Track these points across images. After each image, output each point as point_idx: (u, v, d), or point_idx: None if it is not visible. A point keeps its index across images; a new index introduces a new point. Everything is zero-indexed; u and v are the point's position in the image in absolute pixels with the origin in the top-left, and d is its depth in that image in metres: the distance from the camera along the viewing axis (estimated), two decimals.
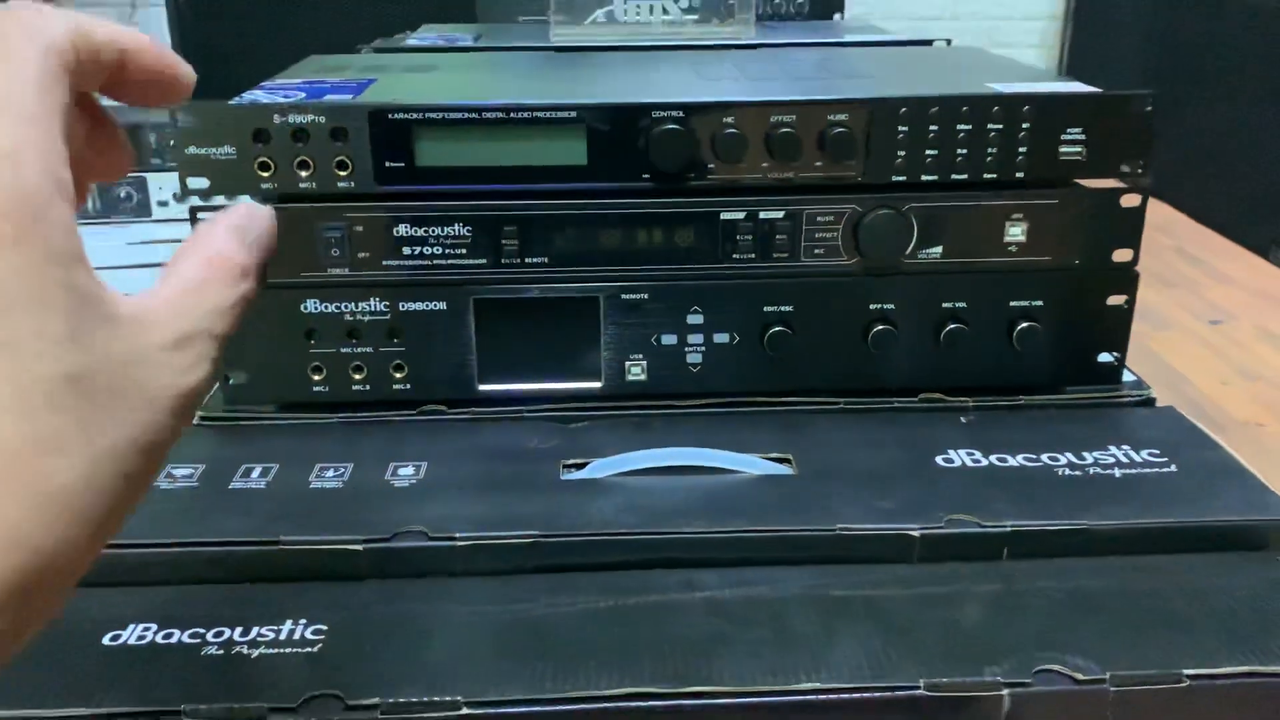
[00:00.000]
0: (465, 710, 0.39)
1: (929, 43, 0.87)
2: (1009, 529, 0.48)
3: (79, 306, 0.24)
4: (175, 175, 0.53)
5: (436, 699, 0.39)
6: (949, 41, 0.87)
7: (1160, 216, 2.40)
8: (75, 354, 0.24)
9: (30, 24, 0.26)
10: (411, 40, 0.87)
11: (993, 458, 0.53)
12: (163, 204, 1.02)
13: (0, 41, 0.25)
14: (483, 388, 0.58)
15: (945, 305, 0.57)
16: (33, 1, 0.26)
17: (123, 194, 1.02)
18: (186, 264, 0.30)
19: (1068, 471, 0.52)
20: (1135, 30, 2.68)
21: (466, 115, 0.53)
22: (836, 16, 1.41)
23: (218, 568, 0.47)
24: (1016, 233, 0.56)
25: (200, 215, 0.54)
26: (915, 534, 0.47)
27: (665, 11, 0.92)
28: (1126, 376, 0.60)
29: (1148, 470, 0.52)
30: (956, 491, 0.50)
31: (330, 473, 0.52)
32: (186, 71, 0.31)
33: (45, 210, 0.24)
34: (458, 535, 0.47)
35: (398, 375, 0.57)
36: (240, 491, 0.51)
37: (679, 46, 0.87)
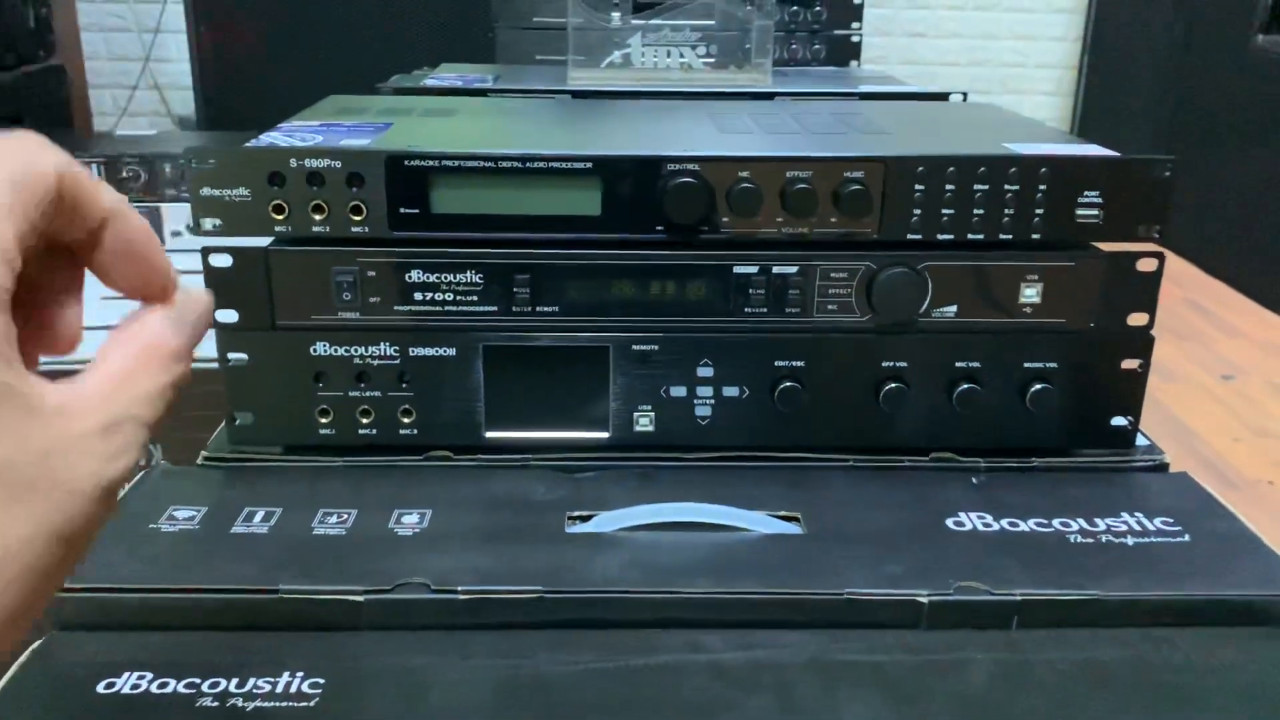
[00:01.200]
0: None
1: (945, 96, 0.87)
2: (1019, 598, 0.47)
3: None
4: (188, 207, 0.53)
5: None
6: (965, 95, 0.87)
7: (1171, 268, 2.40)
8: None
9: (22, 145, 0.27)
10: (430, 80, 0.87)
11: (1004, 522, 0.53)
12: (176, 234, 1.02)
13: None
14: (489, 434, 0.57)
15: (959, 365, 0.57)
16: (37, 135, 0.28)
17: None
18: (116, 352, 0.30)
19: (1079, 538, 0.52)
20: (1150, 82, 2.69)
21: (482, 164, 0.53)
22: (853, 63, 1.42)
23: (216, 615, 0.46)
24: (1031, 294, 0.56)
25: (211, 258, 0.54)
26: (924, 600, 0.47)
27: (682, 57, 0.93)
28: (1140, 440, 0.60)
29: (1160, 539, 0.52)
30: (967, 557, 0.50)
31: (334, 519, 0.52)
32: (170, 274, 0.31)
33: None
34: (459, 588, 0.46)
35: (405, 420, 0.57)
36: (242, 536, 0.50)
37: (696, 93, 0.88)
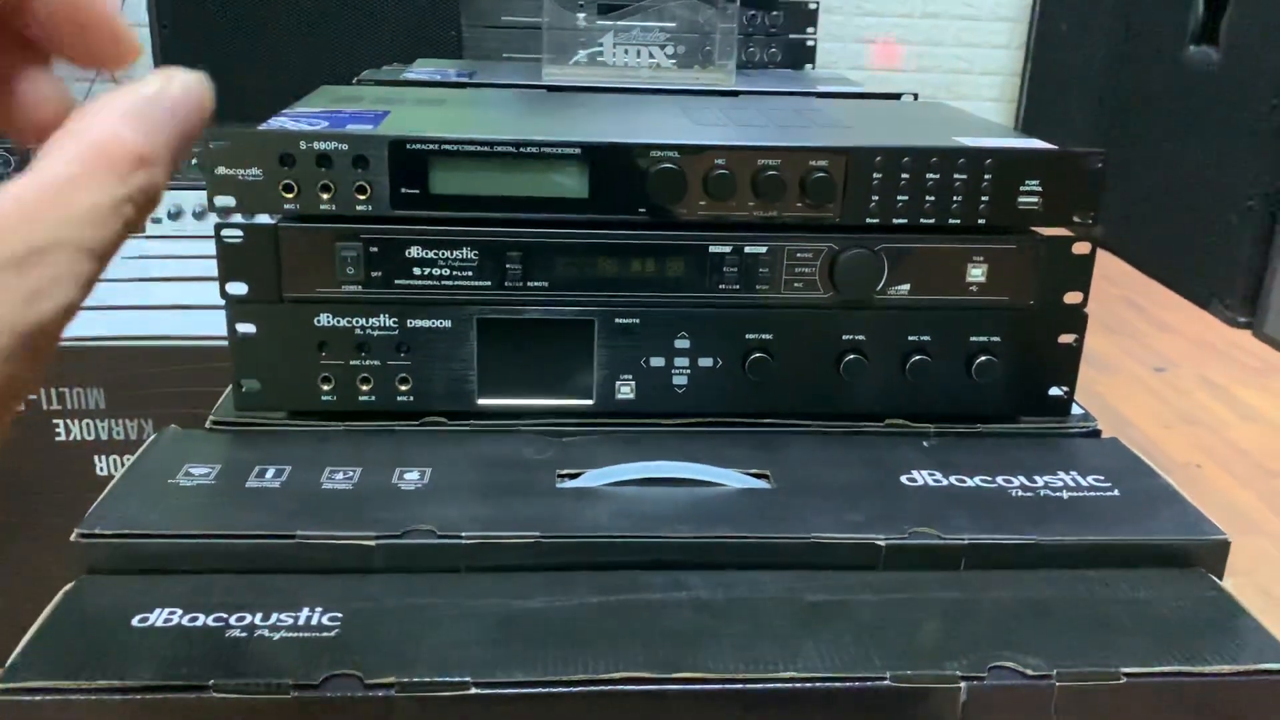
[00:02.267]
0: (474, 690, 0.43)
1: (897, 96, 0.93)
2: (966, 541, 0.52)
3: None
4: (181, 193, 0.57)
5: (448, 679, 0.43)
6: (915, 96, 0.93)
7: (1108, 267, 2.50)
8: None
9: None
10: (411, 74, 0.91)
11: (952, 478, 0.58)
12: (156, 220, 1.05)
13: None
14: (481, 402, 0.62)
15: (911, 338, 0.62)
16: None
17: None
18: (57, 153, 0.23)
19: (1020, 493, 0.57)
20: (1087, 89, 2.79)
21: (478, 149, 0.57)
22: (808, 67, 1.48)
23: (237, 559, 0.50)
24: (977, 274, 0.62)
25: (224, 233, 0.57)
26: (881, 544, 0.52)
27: (651, 56, 0.97)
28: (1074, 410, 0.66)
29: (1092, 494, 0.57)
30: (919, 507, 0.55)
31: (340, 475, 0.56)
32: (120, 34, 0.26)
33: None
34: (464, 534, 0.50)
35: (402, 388, 0.61)
36: (256, 490, 0.54)
37: (663, 90, 0.92)
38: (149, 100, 0.25)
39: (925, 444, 0.62)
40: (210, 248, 0.57)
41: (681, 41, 1.00)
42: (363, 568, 0.50)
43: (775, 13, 1.45)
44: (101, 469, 0.84)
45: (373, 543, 0.50)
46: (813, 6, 1.49)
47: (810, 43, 1.49)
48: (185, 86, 0.26)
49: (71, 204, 0.22)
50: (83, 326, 0.82)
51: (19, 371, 0.21)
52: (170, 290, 0.89)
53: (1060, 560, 0.53)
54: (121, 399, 0.81)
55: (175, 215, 1.03)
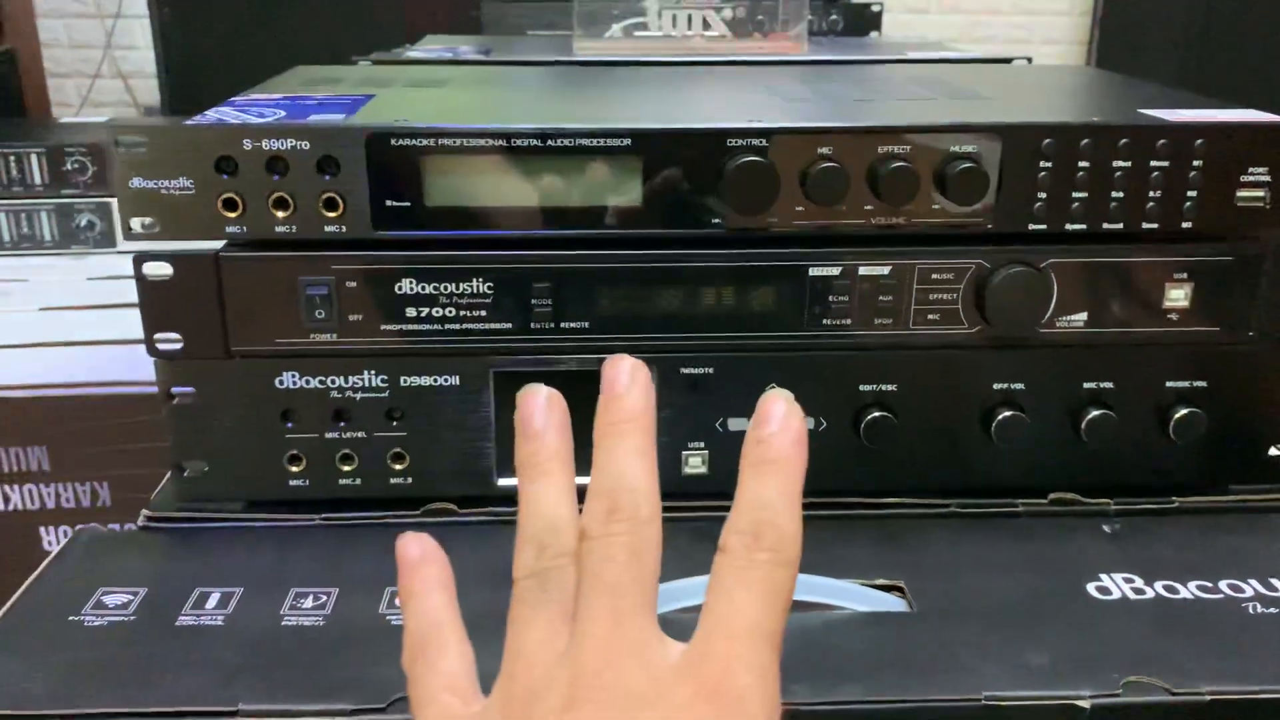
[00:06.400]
0: None
1: (1007, 61, 0.76)
2: (1207, 698, 0.36)
3: None
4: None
5: None
6: (1029, 60, 0.76)
7: None
8: None
9: None
10: (413, 52, 0.75)
11: (1158, 586, 0.42)
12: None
13: None
14: (501, 482, 0.46)
15: (1087, 386, 0.46)
16: None
17: (84, 222, 0.90)
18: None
19: (1259, 607, 0.41)
20: (1165, 59, 2.58)
21: (491, 143, 0.42)
22: (873, 34, 1.30)
23: None
24: (1178, 296, 0.45)
25: (147, 267, 0.42)
26: (1086, 704, 0.36)
27: (706, 24, 0.81)
28: None
29: None
30: (1125, 638, 0.39)
31: (308, 602, 0.40)
32: None
33: None
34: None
35: (396, 467, 0.46)
36: (191, 630, 0.39)
37: (720, 63, 0.76)
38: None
39: (1107, 528, 0.46)
40: None
41: (739, 5, 0.84)
42: None
43: None
44: (49, 543, 0.70)
45: (346, 719, 0.35)
46: None
47: (876, 8, 1.31)
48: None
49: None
50: (15, 373, 0.67)
51: None
52: (117, 320, 0.73)
53: None
54: (68, 459, 0.66)
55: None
